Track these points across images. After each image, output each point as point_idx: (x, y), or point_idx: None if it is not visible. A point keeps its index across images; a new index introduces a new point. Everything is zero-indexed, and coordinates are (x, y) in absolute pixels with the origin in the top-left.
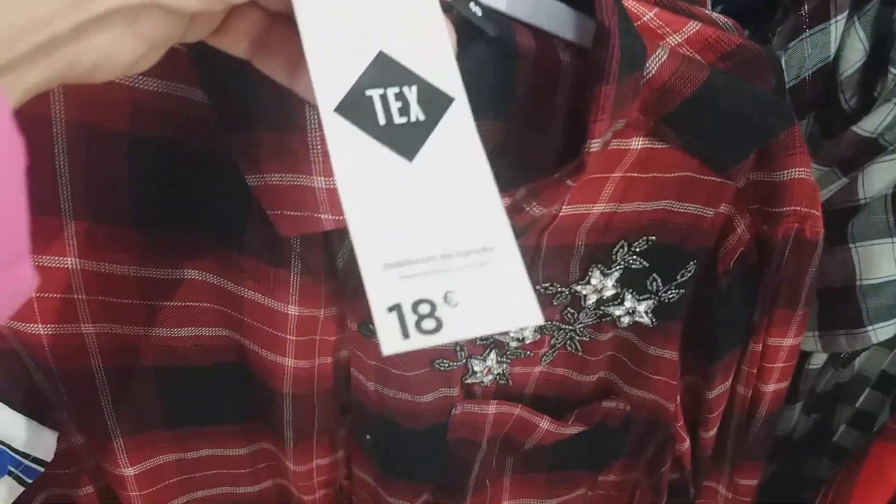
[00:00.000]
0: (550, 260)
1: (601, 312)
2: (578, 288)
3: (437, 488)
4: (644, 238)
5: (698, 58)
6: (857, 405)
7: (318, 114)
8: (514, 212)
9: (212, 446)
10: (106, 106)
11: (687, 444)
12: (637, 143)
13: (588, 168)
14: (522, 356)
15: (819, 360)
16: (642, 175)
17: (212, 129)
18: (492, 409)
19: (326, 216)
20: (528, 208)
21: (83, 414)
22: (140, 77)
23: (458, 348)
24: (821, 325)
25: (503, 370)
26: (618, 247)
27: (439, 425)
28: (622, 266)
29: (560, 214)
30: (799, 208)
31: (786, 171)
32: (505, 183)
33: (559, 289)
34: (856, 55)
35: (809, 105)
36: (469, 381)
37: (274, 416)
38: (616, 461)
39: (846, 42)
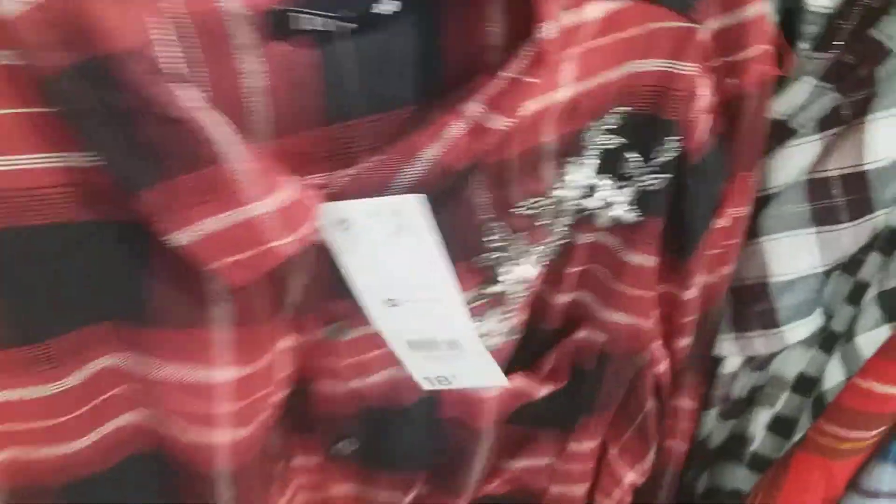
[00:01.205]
0: (523, 171)
1: (577, 208)
2: (559, 192)
3: (431, 478)
4: (614, 110)
5: None
6: (776, 410)
7: (227, 141)
8: (478, 135)
9: None
10: None
11: (665, 364)
12: (591, 10)
13: (552, 63)
14: (527, 296)
15: (734, 363)
16: (602, 42)
17: (98, 197)
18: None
19: (283, 241)
20: (491, 125)
21: None
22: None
23: None
24: (736, 327)
25: (510, 324)
26: (588, 129)
27: (426, 399)
28: (596, 150)
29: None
30: (766, 46)
31: (749, 7)
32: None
33: (541, 202)
34: None
35: None
36: None
37: (208, 498)
38: (588, 415)
39: None
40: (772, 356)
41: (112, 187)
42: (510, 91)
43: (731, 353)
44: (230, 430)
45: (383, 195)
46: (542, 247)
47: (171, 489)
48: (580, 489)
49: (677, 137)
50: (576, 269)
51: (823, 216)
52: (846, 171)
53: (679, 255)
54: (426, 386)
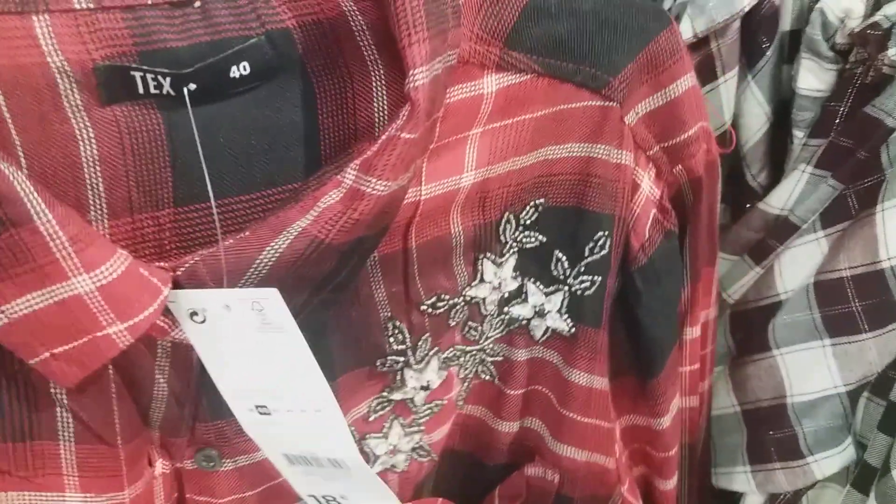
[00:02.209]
0: (428, 264)
1: (507, 317)
2: (472, 292)
3: None
4: (532, 204)
5: None
6: None
7: (38, 201)
8: (352, 201)
9: None
10: None
11: None
12: (489, 83)
13: (424, 113)
14: (437, 410)
15: (754, 503)
16: (507, 122)
17: None
18: None
19: (116, 328)
20: (367, 188)
21: None
22: None
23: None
24: (751, 457)
25: (419, 441)
26: (503, 222)
27: None
28: (516, 248)
29: (422, 199)
30: (704, 122)
31: (678, 82)
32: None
33: (450, 300)
34: (757, 121)
35: None
36: (377, 470)
37: None
38: None
39: (744, 107)
40: (798, 495)
41: None
42: (385, 150)
43: (748, 489)
44: None
45: (244, 282)
46: (451, 351)
47: None
48: None
49: (606, 233)
50: (518, 391)
51: (838, 325)
52: (859, 272)
53: (645, 376)
54: None
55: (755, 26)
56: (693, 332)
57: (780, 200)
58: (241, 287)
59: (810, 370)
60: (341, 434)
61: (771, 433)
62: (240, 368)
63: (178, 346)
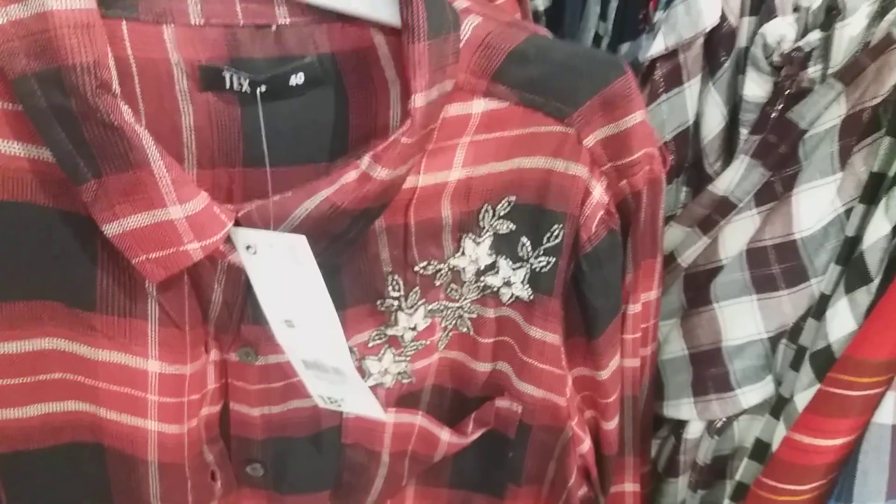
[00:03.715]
0: (422, 237)
1: (482, 284)
2: (455, 261)
3: (335, 496)
4: (506, 199)
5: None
6: (737, 478)
7: (154, 152)
8: (363, 182)
9: None
10: None
11: (587, 443)
12: (477, 106)
13: (420, 125)
14: (420, 347)
15: (696, 429)
16: (489, 136)
17: (59, 187)
18: (390, 417)
19: (193, 246)
20: (374, 174)
21: None
22: None
23: (352, 350)
24: (695, 391)
25: (404, 368)
26: (483, 212)
27: (333, 427)
28: (491, 232)
29: (419, 186)
30: (649, 149)
31: (629, 118)
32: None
33: (438, 266)
34: (715, 120)
35: (671, 170)
36: (369, 383)
37: (139, 493)
38: (517, 485)
39: (705, 108)
40: (730, 421)
41: (67, 180)
42: (390, 148)
43: (691, 416)
44: (158, 423)
45: (284, 228)
46: (438, 302)
47: (106, 481)
48: None
49: (560, 226)
50: (489, 339)
51: (763, 284)
52: (778, 241)
53: (588, 336)
54: (321, 404)
55: (716, 42)
56: (634, 308)
57: (724, 184)
58: (280, 231)
59: (740, 320)
60: (341, 349)
61: (709, 371)
62: (275, 290)
63: (232, 267)
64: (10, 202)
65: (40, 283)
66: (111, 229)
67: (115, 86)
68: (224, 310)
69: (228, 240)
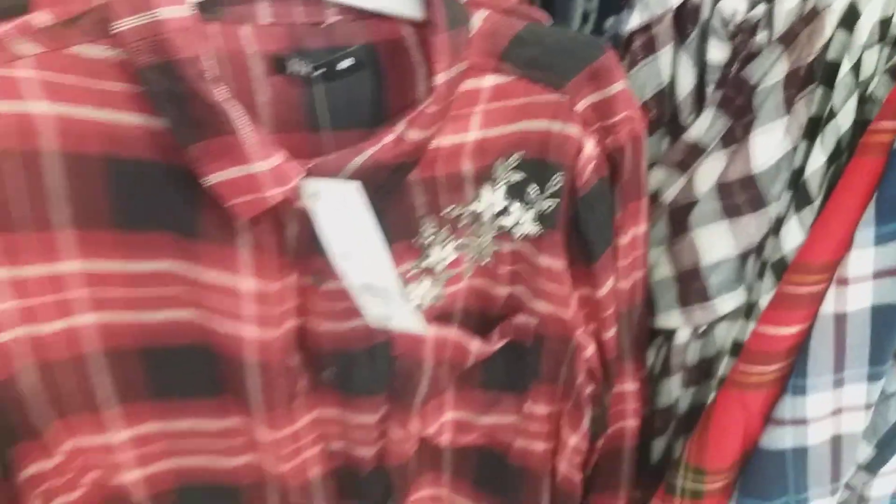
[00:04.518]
0: (448, 187)
1: (498, 225)
2: (474, 206)
3: (391, 401)
4: (515, 155)
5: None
6: (720, 374)
7: (241, 122)
8: (399, 142)
9: (190, 418)
10: (82, 137)
11: (591, 349)
12: (488, 81)
13: (442, 97)
14: (451, 276)
15: (684, 335)
16: (499, 105)
17: (171, 148)
18: (430, 332)
19: (272, 192)
20: (407, 136)
21: (76, 394)
22: (112, 111)
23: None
24: (682, 302)
25: (439, 292)
26: (496, 165)
27: (385, 342)
28: (504, 181)
29: (443, 146)
30: (630, 111)
31: (612, 86)
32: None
33: (461, 210)
34: (686, 80)
35: (653, 124)
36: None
37: (244, 388)
38: (537, 384)
39: (679, 71)
40: (711, 326)
41: (177, 143)
42: (419, 116)
43: (679, 324)
44: (256, 329)
45: (340, 178)
46: (463, 239)
47: (215, 377)
48: (539, 446)
49: (561, 174)
50: (506, 269)
51: (731, 211)
52: (740, 176)
53: (586, 263)
54: (373, 324)
55: (685, 17)
56: (624, 240)
57: (695, 132)
58: (339, 179)
59: (716, 241)
60: (389, 273)
61: (692, 285)
62: (336, 227)
63: (302, 209)
64: (133, 159)
65: (157, 219)
66: (209, 180)
67: (212, 73)
68: (297, 243)
69: (298, 188)
